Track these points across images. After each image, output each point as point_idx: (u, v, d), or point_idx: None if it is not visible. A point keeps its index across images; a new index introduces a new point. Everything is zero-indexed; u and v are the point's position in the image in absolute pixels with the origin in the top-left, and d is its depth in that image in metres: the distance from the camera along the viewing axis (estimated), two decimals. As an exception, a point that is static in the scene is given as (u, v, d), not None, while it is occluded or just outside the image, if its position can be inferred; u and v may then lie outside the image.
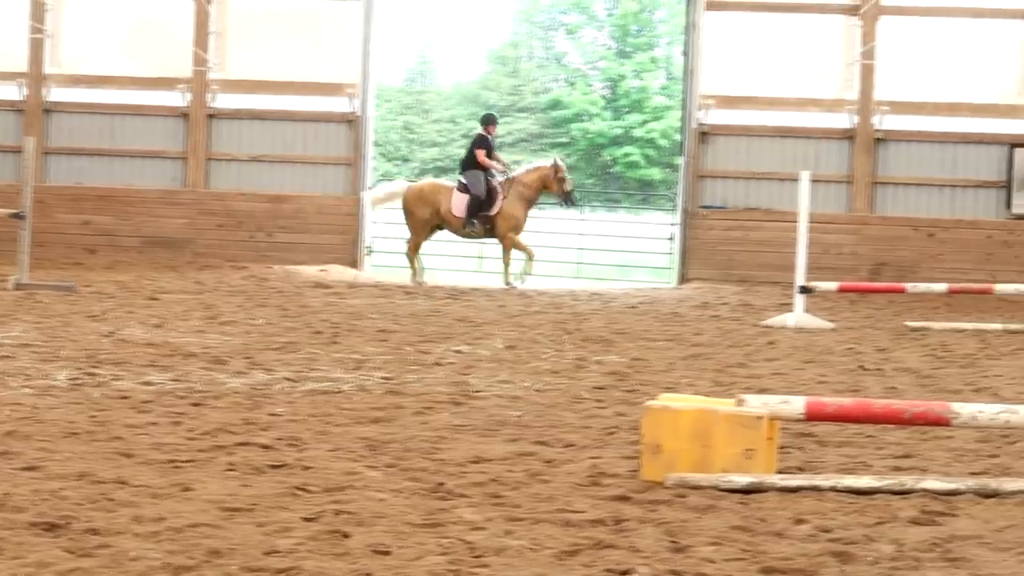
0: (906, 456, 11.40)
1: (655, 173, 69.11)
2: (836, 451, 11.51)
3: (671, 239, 32.76)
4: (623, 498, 9.45)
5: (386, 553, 7.86)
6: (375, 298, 25.54)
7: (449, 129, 74.88)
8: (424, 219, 30.23)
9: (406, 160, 72.74)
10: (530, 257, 30.53)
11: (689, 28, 32.01)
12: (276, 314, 21.60)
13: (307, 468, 10.12)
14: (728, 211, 31.19)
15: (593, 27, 76.79)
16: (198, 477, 9.68)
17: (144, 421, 11.92)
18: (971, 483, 10.07)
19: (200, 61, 32.12)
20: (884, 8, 31.05)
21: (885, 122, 30.87)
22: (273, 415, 12.45)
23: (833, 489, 9.84)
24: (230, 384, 14.21)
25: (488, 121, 31.19)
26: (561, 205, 30.02)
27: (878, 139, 30.79)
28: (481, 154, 30.11)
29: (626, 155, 72.26)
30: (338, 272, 30.73)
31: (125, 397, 13.19)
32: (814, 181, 25.35)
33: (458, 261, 35.55)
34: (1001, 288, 24.75)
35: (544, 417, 12.85)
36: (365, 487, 9.54)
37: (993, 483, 10.11)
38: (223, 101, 32.31)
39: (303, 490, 9.37)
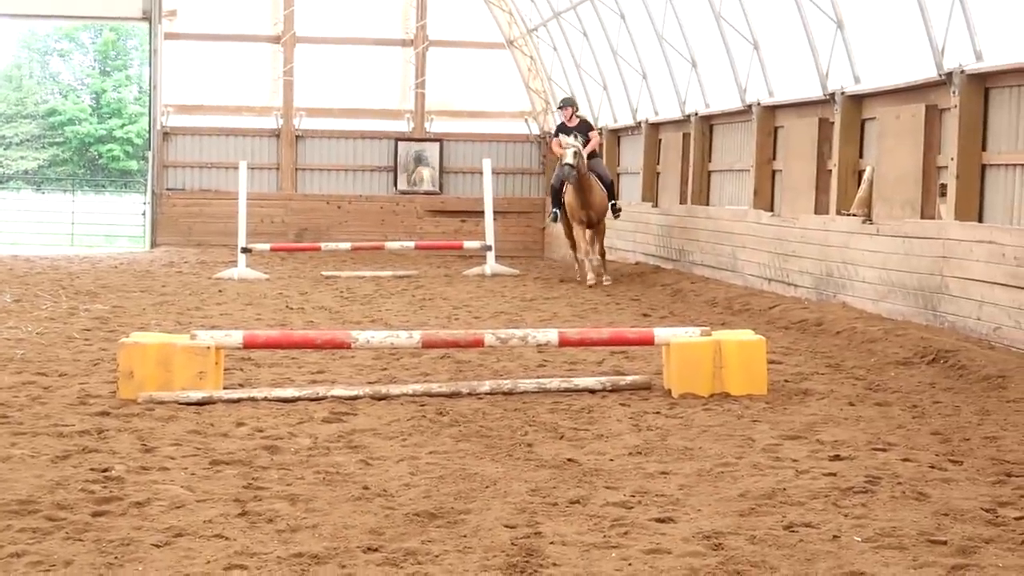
0: (320, 372, 11.52)
1: (133, 164, 67.72)
2: (269, 370, 11.54)
3: (144, 214, 32.17)
4: (105, 413, 9.30)
5: (-87, 466, 7.52)
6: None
7: (-32, 131, 72.05)
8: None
9: (-67, 157, 69.59)
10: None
11: (153, 53, 31.37)
12: None
13: None
14: (187, 192, 30.78)
15: (81, 52, 74.69)
16: None
17: None
18: (368, 389, 10.25)
19: None
20: (300, 37, 31.08)
21: (303, 123, 30.96)
22: None
23: (266, 399, 9.89)
24: None
25: (559, 106, 23.68)
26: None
27: (298, 136, 30.87)
28: (553, 143, 22.55)
29: (110, 151, 70.69)
30: None
31: None
32: (251, 168, 25.32)
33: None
34: (390, 245, 25.30)
35: (43, 354, 12.47)
36: None
37: (383, 388, 10.32)
38: None
39: None
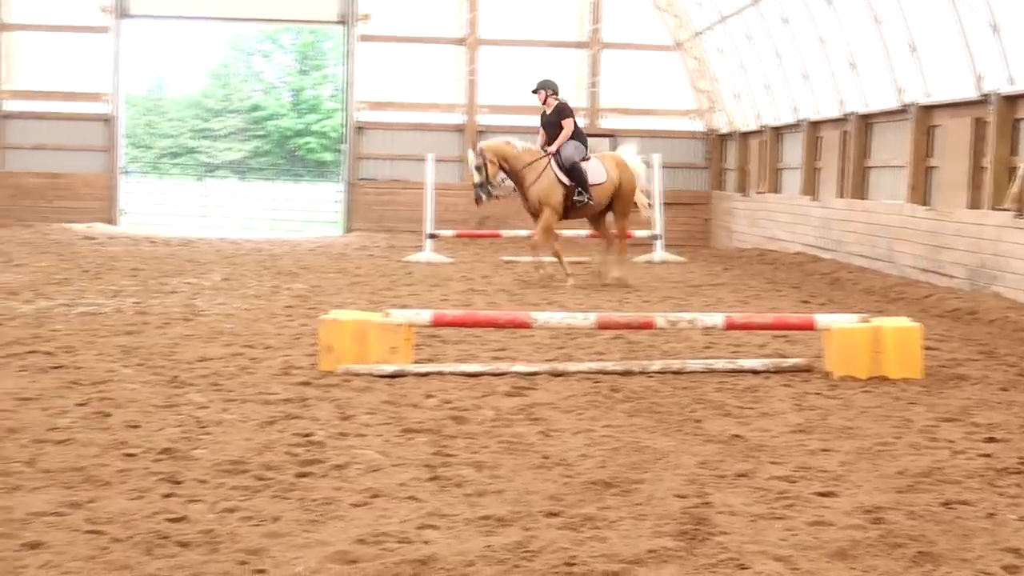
0: (502, 349, 11.54)
1: (328, 156, 68.56)
2: (454, 347, 11.60)
3: (338, 202, 32.61)
4: (306, 383, 9.43)
5: (137, 427, 7.72)
6: (127, 246, 24.91)
7: (178, 125, 73.62)
8: None
9: (149, 147, 71.16)
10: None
11: (347, 54, 31.79)
12: (55, 258, 20.93)
13: (79, 368, 9.87)
14: (378, 182, 31.17)
15: (281, 52, 75.93)
16: (-2, 377, 9.38)
17: (-43, 337, 11.51)
18: (546, 366, 10.25)
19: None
20: (483, 40, 31.26)
21: (485, 119, 31.09)
22: (54, 331, 12.10)
23: (452, 373, 9.94)
24: (21, 309, 13.75)
25: (533, 89, 19.07)
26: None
27: (480, 131, 30.93)
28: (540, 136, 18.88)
29: (307, 143, 71.82)
30: (100, 228, 29.90)
31: (-57, 320, 12.70)
32: (437, 160, 25.41)
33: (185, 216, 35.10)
34: (565, 233, 25.11)
35: (250, 328, 12.71)
36: (121, 381, 9.34)
37: (561, 366, 10.31)
38: (12, 106, 31.13)
39: (76, 384, 9.14)
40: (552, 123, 18.65)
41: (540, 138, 18.79)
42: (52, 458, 6.87)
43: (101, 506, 5.93)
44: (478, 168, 18.17)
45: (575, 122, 18.71)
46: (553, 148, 18.37)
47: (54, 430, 7.55)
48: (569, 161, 18.30)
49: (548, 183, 18.28)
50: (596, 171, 18.54)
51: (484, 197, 18.25)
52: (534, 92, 19.01)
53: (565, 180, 18.28)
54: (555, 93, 18.85)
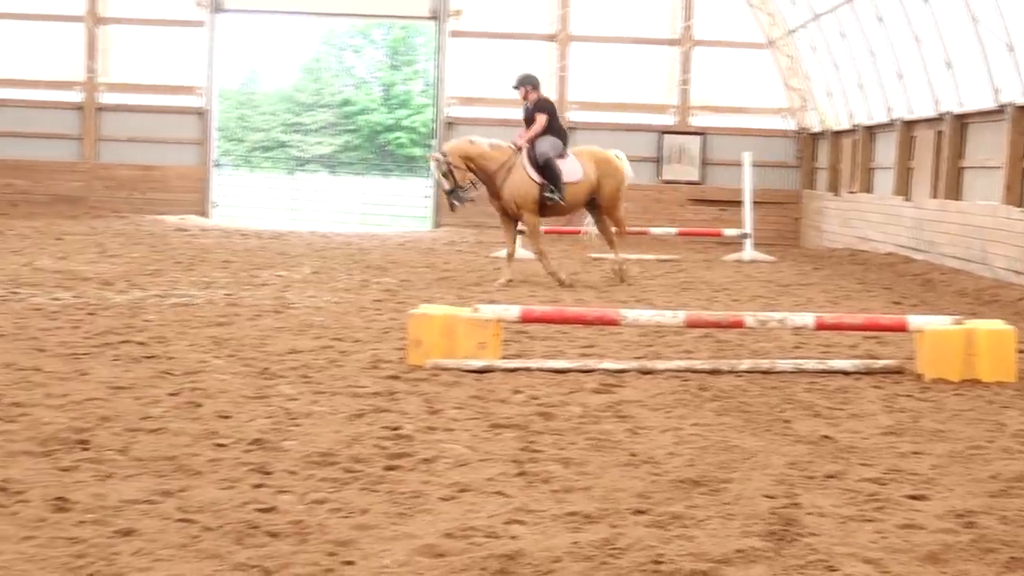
0: (590, 346, 11.53)
1: (417, 151, 68.80)
2: (542, 343, 11.60)
3: (427, 197, 32.73)
4: (395, 377, 9.47)
5: (228, 417, 7.80)
6: (219, 238, 25.16)
7: (270, 119, 74.19)
8: None
9: (241, 141, 71.78)
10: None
11: (439, 49, 31.91)
12: (148, 250, 21.18)
13: (171, 358, 9.99)
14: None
15: (373, 48, 76.30)
16: (92, 365, 9.50)
17: (53, 326, 11.67)
18: (634, 364, 10.23)
19: (90, 69, 31.33)
20: (574, 36, 31.24)
21: (575, 116, 31.00)
22: (146, 321, 12.26)
23: (540, 369, 9.94)
24: (115, 299, 13.95)
25: (514, 85, 18.60)
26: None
27: (570, 128, 30.64)
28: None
29: (397, 138, 72.10)
30: (192, 220, 30.22)
31: (39, 309, 12.89)
32: (526, 157, 25.38)
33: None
34: (653, 231, 25.18)
35: (339, 321, 12.80)
36: (212, 371, 9.45)
37: (649, 364, 10.28)
38: (108, 98, 31.55)
39: (168, 374, 9.26)
40: (533, 119, 18.02)
41: (520, 133, 18.18)
42: (144, 447, 6.96)
43: (192, 495, 6.01)
44: (445, 175, 17.50)
45: (551, 117, 18.03)
46: (522, 141, 17.79)
47: (146, 419, 7.66)
48: (543, 157, 17.66)
49: (520, 182, 17.67)
50: (572, 169, 17.88)
51: (458, 204, 17.74)
52: (515, 88, 18.47)
53: (536, 177, 17.64)
54: (536, 88, 18.33)
